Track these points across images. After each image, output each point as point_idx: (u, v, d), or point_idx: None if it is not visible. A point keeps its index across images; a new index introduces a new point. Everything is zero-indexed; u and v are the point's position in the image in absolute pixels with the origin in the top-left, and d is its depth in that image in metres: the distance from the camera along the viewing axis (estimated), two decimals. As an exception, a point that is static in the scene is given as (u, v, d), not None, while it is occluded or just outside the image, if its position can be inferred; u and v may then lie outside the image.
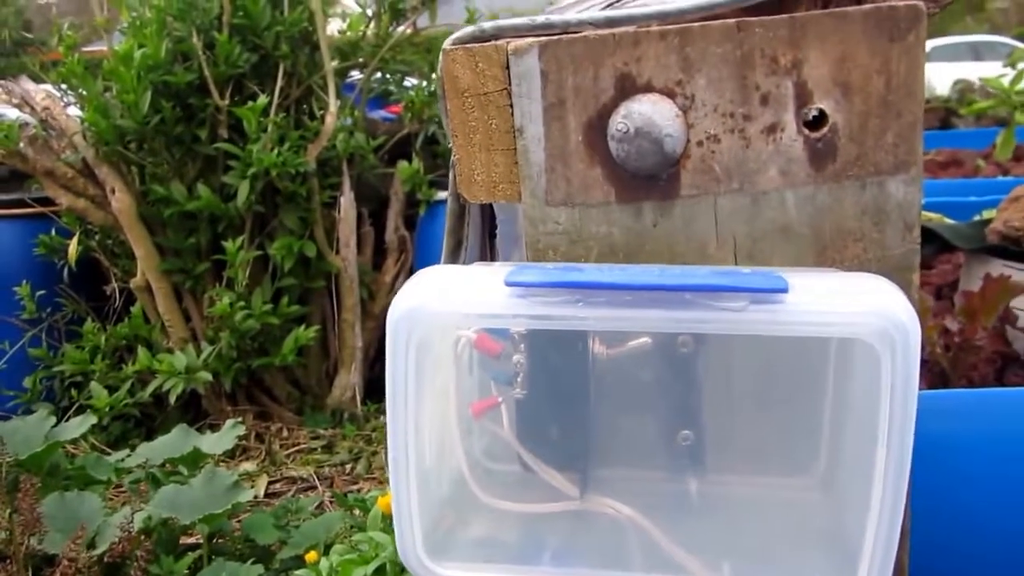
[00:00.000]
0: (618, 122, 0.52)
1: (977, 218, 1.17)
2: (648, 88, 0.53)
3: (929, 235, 1.09)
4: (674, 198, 0.53)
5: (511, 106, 0.54)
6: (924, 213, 1.25)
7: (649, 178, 0.53)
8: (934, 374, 0.86)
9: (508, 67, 0.54)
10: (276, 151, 2.15)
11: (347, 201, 2.24)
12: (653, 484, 0.54)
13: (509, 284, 0.45)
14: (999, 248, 0.99)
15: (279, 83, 2.25)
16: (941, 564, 0.70)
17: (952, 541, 0.70)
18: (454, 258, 0.61)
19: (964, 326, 0.85)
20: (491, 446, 0.54)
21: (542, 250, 0.55)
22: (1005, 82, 1.98)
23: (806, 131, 0.52)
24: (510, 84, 0.54)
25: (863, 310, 0.43)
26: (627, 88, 0.53)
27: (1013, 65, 2.03)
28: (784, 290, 0.43)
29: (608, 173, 0.54)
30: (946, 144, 2.56)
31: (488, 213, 0.63)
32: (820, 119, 0.52)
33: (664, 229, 0.54)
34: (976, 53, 9.79)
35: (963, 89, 3.50)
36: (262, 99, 2.16)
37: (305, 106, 2.35)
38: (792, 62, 0.52)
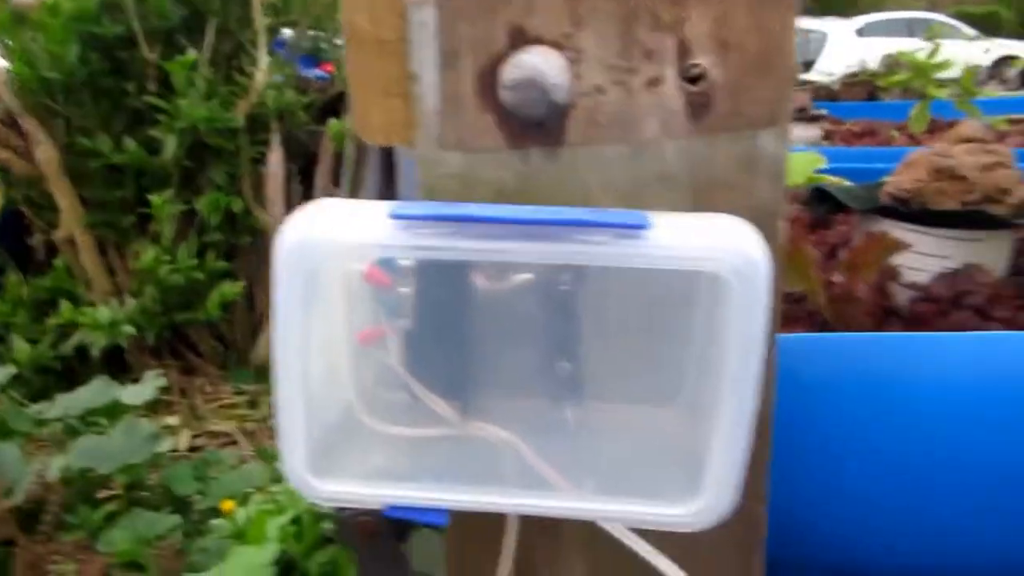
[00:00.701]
0: (509, 72, 0.55)
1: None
2: (538, 41, 0.55)
3: (824, 196, 1.14)
4: (561, 145, 0.56)
5: (407, 54, 0.57)
6: (826, 176, 1.30)
7: (538, 126, 0.56)
8: (817, 324, 0.91)
9: (406, 16, 0.56)
10: (205, 106, 2.14)
11: (276, 158, 2.24)
12: (531, 411, 0.58)
13: (393, 217, 0.47)
14: (890, 209, 1.04)
15: (210, 38, 2.23)
16: (804, 492, 0.75)
17: (813, 473, 0.75)
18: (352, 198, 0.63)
19: (847, 280, 0.90)
20: (381, 375, 0.57)
21: (435, 192, 0.58)
22: (921, 56, 2.04)
23: (686, 85, 0.56)
24: (407, 33, 0.56)
25: (717, 246, 0.46)
26: (518, 40, 0.55)
27: (931, 40, 2.10)
28: (645, 227, 0.46)
29: (499, 120, 0.56)
30: (872, 115, 2.64)
31: (388, 158, 0.65)
32: (699, 74, 0.56)
33: (551, 175, 0.57)
34: (910, 30, 9.99)
35: (891, 64, 3.59)
36: (191, 53, 2.15)
37: (235, 62, 2.33)
38: (674, 19, 0.55)
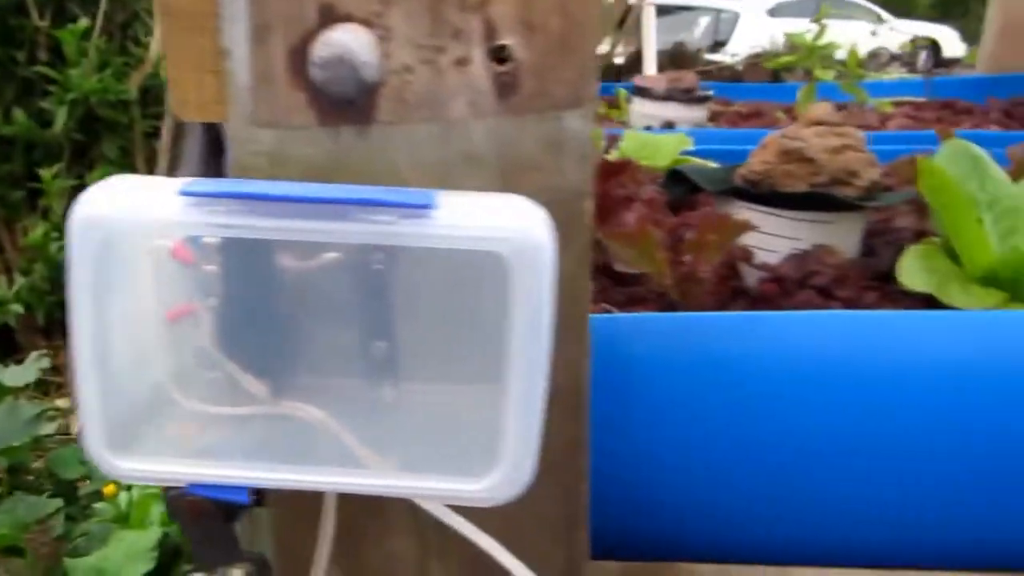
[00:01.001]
0: (319, 49, 0.55)
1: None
2: (348, 18, 0.56)
3: (680, 177, 1.16)
4: (371, 124, 0.57)
5: (219, 29, 0.57)
6: (692, 158, 1.33)
7: (348, 104, 0.57)
8: (664, 304, 0.93)
9: (216, -10, 0.56)
10: (98, 77, 2.09)
11: (169, 131, 2.20)
12: (348, 390, 0.58)
13: (183, 194, 0.47)
14: (742, 190, 1.06)
15: (103, 6, 2.18)
16: (640, 468, 0.77)
17: (643, 449, 0.76)
18: (170, 176, 0.63)
19: (692, 260, 0.92)
20: (197, 352, 0.57)
21: (247, 169, 0.58)
22: (809, 38, 2.08)
23: (493, 66, 0.56)
24: (219, 7, 0.56)
25: (500, 226, 0.47)
26: (328, 17, 0.56)
27: (818, 21, 2.13)
28: (430, 206, 0.47)
29: (310, 98, 0.57)
30: (774, 97, 2.67)
31: (213, 134, 0.65)
32: (505, 55, 0.56)
33: (361, 154, 0.57)
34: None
35: (793, 45, 3.66)
36: (83, 22, 2.10)
37: (130, 31, 2.28)
38: (480, 0, 0.55)
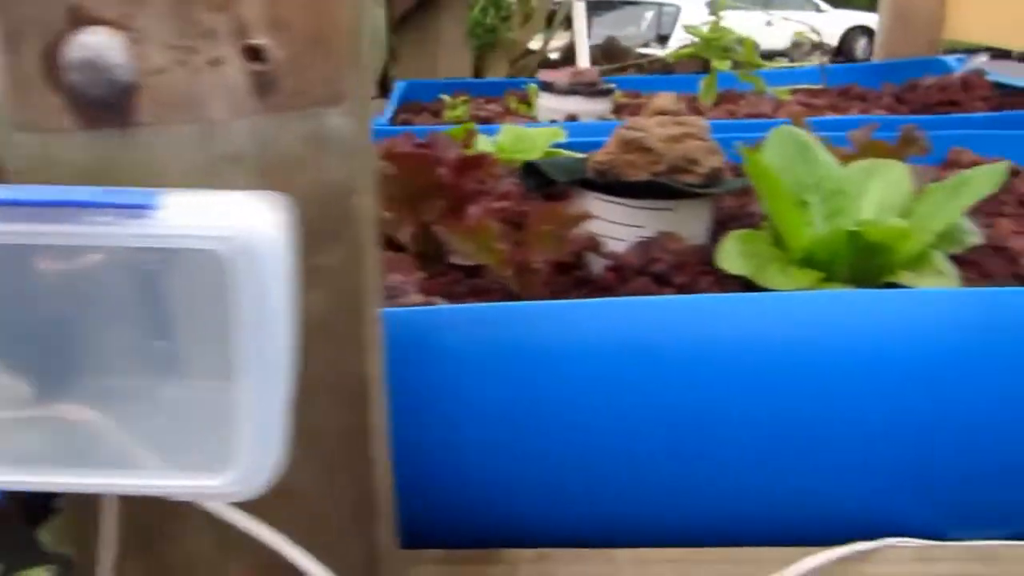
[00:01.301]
0: (71, 52, 0.55)
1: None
2: (98, 21, 0.56)
3: (534, 170, 1.16)
4: (132, 126, 0.57)
5: (-27, 35, 0.56)
6: (562, 150, 1.34)
7: (107, 107, 0.57)
8: (506, 295, 0.94)
9: (-35, -3, 0.56)
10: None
11: None
12: (130, 391, 0.58)
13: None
14: (590, 181, 1.07)
15: None
16: (456, 461, 0.78)
17: (461, 439, 0.77)
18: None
19: (527, 251, 0.93)
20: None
21: (17, 175, 0.58)
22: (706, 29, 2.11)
23: (248, 65, 0.57)
24: (-30, 13, 0.56)
25: (219, 225, 0.48)
26: (78, 20, 0.56)
27: (716, 12, 2.16)
28: (152, 207, 0.47)
29: (68, 102, 0.57)
30: (695, 88, 2.69)
31: None
32: (260, 54, 0.57)
33: (125, 155, 0.57)
34: (764, 2, 10.17)
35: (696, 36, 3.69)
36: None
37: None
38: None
